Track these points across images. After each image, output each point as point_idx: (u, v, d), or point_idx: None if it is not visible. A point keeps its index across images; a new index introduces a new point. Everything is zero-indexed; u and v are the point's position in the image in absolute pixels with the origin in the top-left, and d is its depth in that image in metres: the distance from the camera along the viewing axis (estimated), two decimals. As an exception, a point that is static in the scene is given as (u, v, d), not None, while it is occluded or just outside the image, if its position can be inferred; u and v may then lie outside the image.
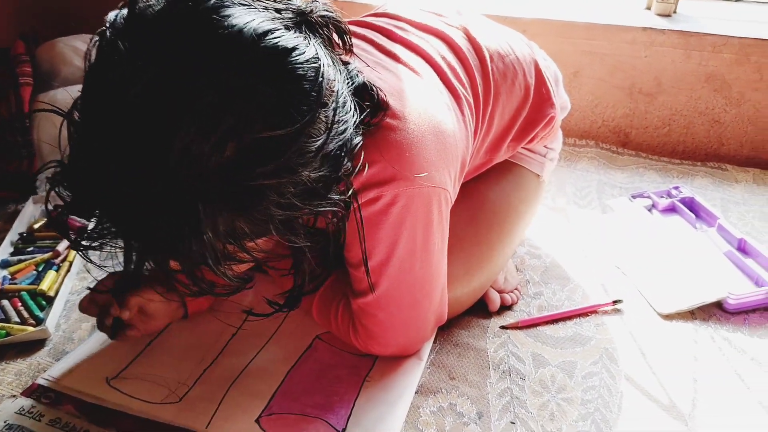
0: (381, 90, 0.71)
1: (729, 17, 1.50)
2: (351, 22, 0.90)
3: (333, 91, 0.60)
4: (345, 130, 0.61)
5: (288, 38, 0.56)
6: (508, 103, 0.90)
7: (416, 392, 0.82)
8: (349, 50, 0.70)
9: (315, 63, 0.57)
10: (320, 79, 0.57)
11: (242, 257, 0.60)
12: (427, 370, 0.86)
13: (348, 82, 0.66)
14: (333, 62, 0.62)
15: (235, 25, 0.53)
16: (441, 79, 0.81)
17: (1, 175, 1.20)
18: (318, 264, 0.71)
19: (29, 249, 1.08)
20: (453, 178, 0.77)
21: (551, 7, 1.52)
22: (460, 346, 0.90)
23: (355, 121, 0.63)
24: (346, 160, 0.62)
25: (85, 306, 0.83)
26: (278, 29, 0.56)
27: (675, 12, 1.52)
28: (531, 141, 0.96)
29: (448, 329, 0.92)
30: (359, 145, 0.65)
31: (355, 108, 0.64)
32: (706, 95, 1.45)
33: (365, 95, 0.68)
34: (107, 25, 0.55)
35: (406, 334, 0.82)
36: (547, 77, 0.95)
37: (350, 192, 0.66)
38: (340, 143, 0.60)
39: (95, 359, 0.85)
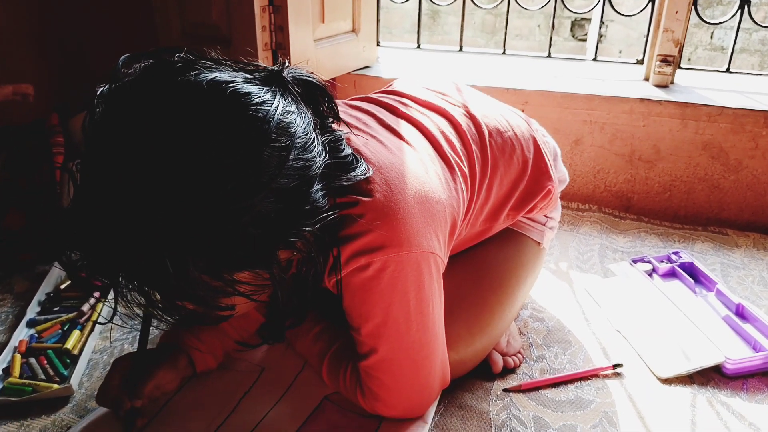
0: (362, 154, 0.79)
1: (723, 87, 1.57)
2: (359, 98, 0.98)
3: (290, 134, 0.67)
4: (303, 169, 0.68)
5: (244, 87, 0.66)
6: (506, 175, 0.96)
7: (420, 453, 0.85)
8: (329, 108, 0.79)
9: (268, 106, 0.66)
10: (269, 119, 0.65)
11: (227, 290, 0.67)
12: (431, 432, 0.89)
13: (323, 136, 0.74)
14: (299, 112, 0.70)
15: (200, 81, 0.64)
16: (436, 150, 0.88)
17: (32, 239, 1.27)
18: (297, 298, 0.77)
19: (55, 309, 1.14)
20: (442, 242, 0.82)
21: (552, 80, 1.60)
22: (464, 408, 0.93)
23: (320, 166, 0.70)
24: (311, 200, 0.68)
25: (101, 400, 0.87)
26: (238, 81, 0.66)
27: (672, 83, 1.59)
28: (530, 211, 1.02)
29: (452, 391, 0.96)
30: (325, 193, 0.71)
31: (323, 155, 0.71)
32: (704, 162, 1.51)
33: (346, 156, 0.76)
34: (97, 97, 0.65)
35: (409, 396, 0.85)
36: (545, 152, 1.02)
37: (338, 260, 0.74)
38: (297, 181, 0.67)
39: (115, 419, 0.89)
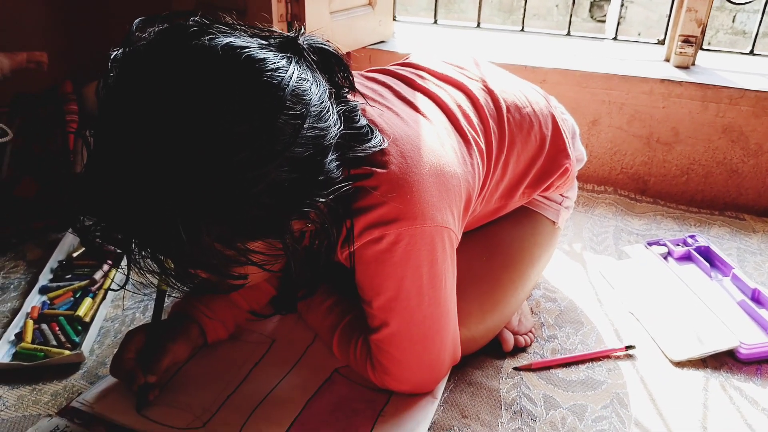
0: (377, 126, 0.77)
1: (746, 70, 1.54)
2: (375, 70, 0.97)
3: (305, 102, 0.65)
4: (318, 138, 0.66)
5: (259, 53, 0.64)
6: (523, 152, 0.95)
7: (429, 429, 0.85)
8: (345, 78, 0.77)
9: (283, 73, 0.64)
10: (284, 86, 0.63)
11: (240, 259, 0.66)
12: (441, 408, 0.89)
13: (338, 105, 0.72)
14: (315, 80, 0.69)
15: (215, 45, 0.62)
16: (452, 124, 0.87)
17: (45, 207, 1.27)
18: (310, 269, 0.77)
19: (68, 276, 1.14)
20: (456, 217, 0.81)
21: (571, 58, 1.57)
22: (474, 385, 0.93)
23: (334, 135, 0.68)
24: (325, 170, 0.67)
25: (114, 372, 0.87)
26: (253, 47, 0.64)
27: (693, 64, 1.56)
28: (546, 189, 1.00)
29: (462, 368, 0.95)
30: (340, 163, 0.70)
31: (338, 125, 0.70)
32: (723, 146, 1.48)
33: (361, 127, 0.75)
34: (110, 61, 0.64)
35: (419, 371, 0.85)
36: (563, 130, 1.00)
37: (351, 232, 0.74)
38: (311, 151, 0.65)
39: (126, 388, 0.89)
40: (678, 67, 1.55)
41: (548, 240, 1.06)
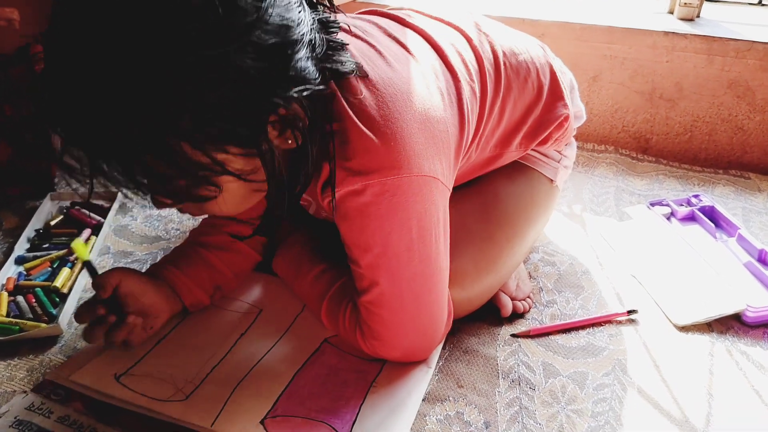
0: (356, 59, 0.72)
1: (753, 22, 1.47)
2: (365, 12, 0.91)
3: None
4: (284, 28, 0.60)
5: None
6: (520, 99, 0.90)
7: (423, 400, 0.81)
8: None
9: None
10: None
11: (216, 168, 0.62)
12: (435, 377, 0.85)
13: (312, 13, 0.66)
14: None
15: None
16: (443, 61, 0.81)
17: (20, 172, 1.21)
18: (289, 185, 0.71)
19: (45, 246, 1.09)
20: (446, 166, 0.76)
21: (570, 10, 1.50)
22: (470, 353, 0.89)
23: (305, 32, 0.62)
24: (295, 65, 0.61)
25: (78, 319, 0.83)
26: None
27: (698, 16, 1.49)
28: (544, 142, 0.95)
29: (457, 335, 0.91)
30: (315, 67, 0.64)
31: (311, 22, 0.64)
32: (729, 102, 1.42)
33: (340, 43, 0.70)
34: None
35: (411, 334, 0.81)
36: (561, 80, 0.95)
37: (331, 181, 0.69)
38: (278, 39, 0.59)
39: (105, 356, 0.86)
40: (682, 19, 1.48)
41: (546, 199, 1.01)
